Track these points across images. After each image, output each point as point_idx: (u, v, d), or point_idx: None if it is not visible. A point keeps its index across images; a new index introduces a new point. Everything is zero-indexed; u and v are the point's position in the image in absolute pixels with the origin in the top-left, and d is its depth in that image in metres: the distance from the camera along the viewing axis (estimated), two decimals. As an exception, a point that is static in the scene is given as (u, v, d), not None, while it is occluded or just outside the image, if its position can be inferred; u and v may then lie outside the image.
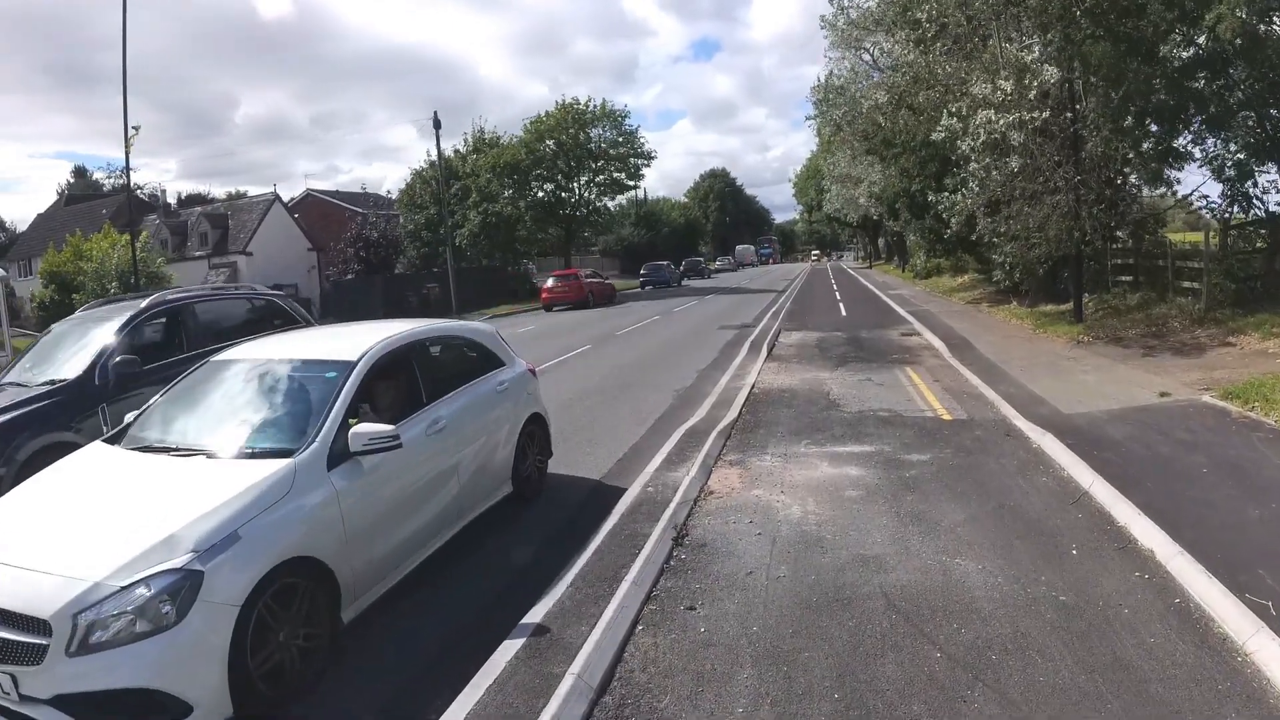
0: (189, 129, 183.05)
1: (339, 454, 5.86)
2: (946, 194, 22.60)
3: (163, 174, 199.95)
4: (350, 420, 6.11)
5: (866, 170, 34.09)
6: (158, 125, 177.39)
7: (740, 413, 11.92)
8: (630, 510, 7.74)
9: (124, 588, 4.55)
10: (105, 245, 35.65)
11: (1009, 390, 12.34)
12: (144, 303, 10.10)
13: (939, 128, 19.45)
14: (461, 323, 8.96)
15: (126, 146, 24.61)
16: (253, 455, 5.81)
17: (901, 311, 27.18)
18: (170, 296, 10.58)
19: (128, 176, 27.96)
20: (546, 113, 56.47)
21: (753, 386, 14.04)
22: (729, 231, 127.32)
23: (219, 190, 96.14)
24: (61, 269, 36.94)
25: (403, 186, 56.02)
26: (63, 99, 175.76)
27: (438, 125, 45.09)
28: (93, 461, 6.24)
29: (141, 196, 64.12)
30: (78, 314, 10.69)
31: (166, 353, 9.95)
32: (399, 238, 51.96)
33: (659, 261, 64.58)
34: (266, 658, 4.95)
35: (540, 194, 55.93)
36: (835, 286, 47.07)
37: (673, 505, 7.69)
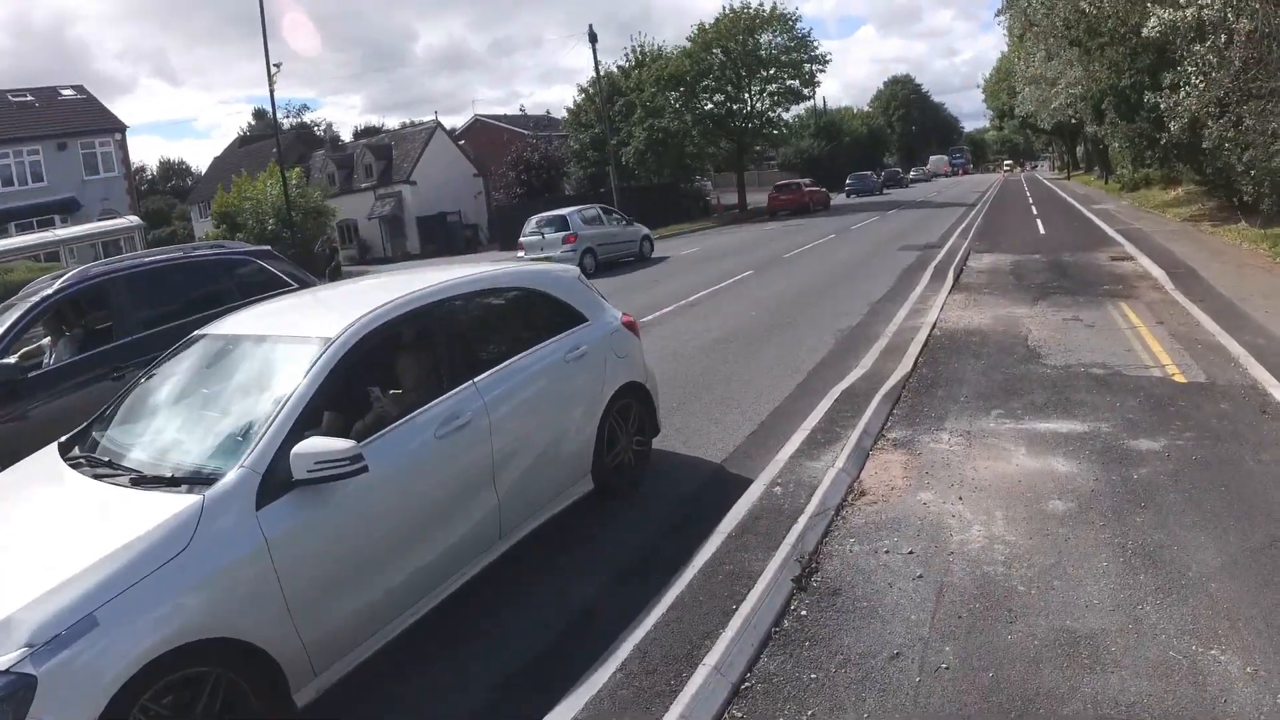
0: (371, 64, 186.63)
1: (279, 483, 4.04)
2: (1165, 90, 18.53)
3: (348, 110, 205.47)
4: (306, 432, 4.23)
5: (1064, 69, 29.68)
6: (341, 63, 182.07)
7: (915, 364, 9.32)
8: (743, 526, 5.54)
9: None
10: (270, 183, 35.92)
11: (1256, 341, 9.08)
12: (52, 286, 7.92)
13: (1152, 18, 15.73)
14: (526, 268, 6.83)
15: (270, 84, 24.12)
16: (168, 482, 4.09)
17: (1108, 230, 22.62)
18: (94, 270, 8.24)
19: (274, 110, 27.36)
20: (714, 19, 53.08)
21: (933, 326, 11.31)
22: (915, 141, 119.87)
23: (400, 123, 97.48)
24: (228, 208, 37.47)
25: (569, 106, 54.41)
26: (251, 47, 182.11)
27: (593, 39, 43.61)
28: (16, 479, 4.87)
29: (318, 134, 65.34)
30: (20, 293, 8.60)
31: (86, 346, 7.99)
32: (560, 158, 50.47)
33: (863, 172, 70.76)
34: None
35: (709, 106, 52.54)
36: (1030, 199, 41.69)
37: (803, 520, 5.46)
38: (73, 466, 4.62)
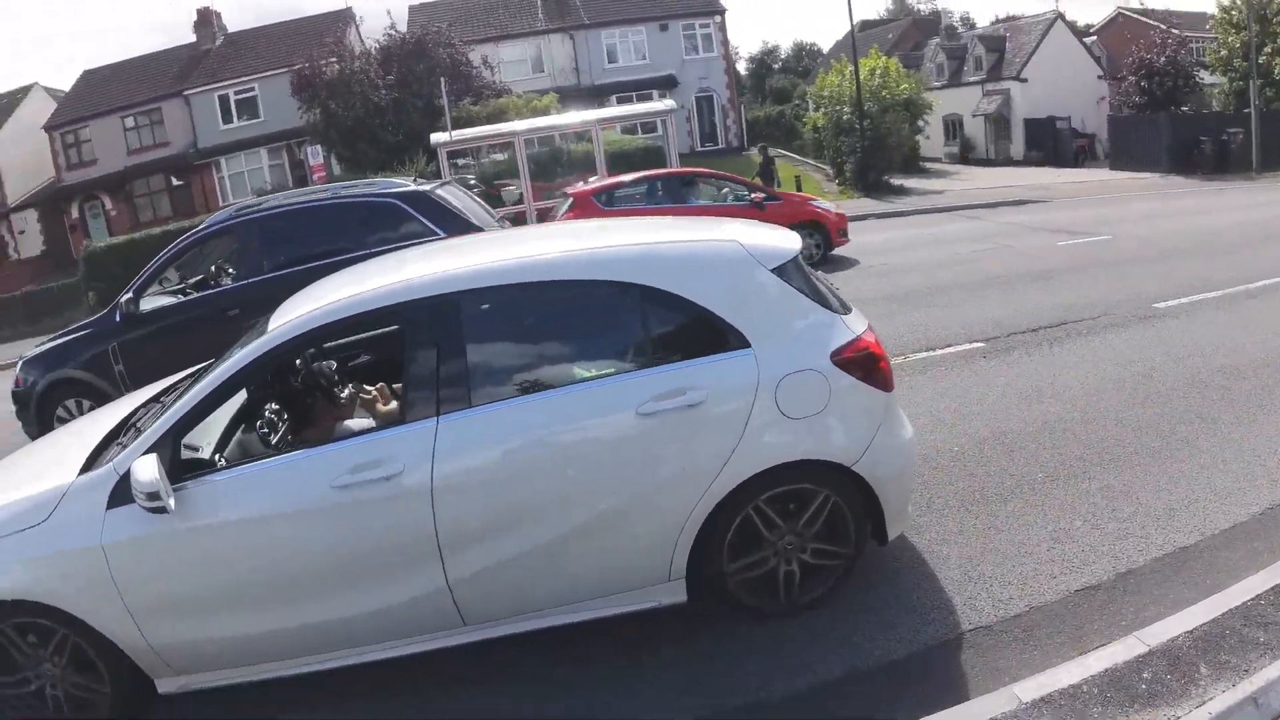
0: None
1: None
2: None
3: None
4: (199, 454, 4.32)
5: None
6: None
7: None
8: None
9: None
10: (865, 70, 34.88)
11: None
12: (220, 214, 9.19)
13: None
14: (639, 244, 4.70)
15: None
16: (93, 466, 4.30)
17: None
18: (225, 215, 9.33)
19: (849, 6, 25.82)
20: None
21: None
22: None
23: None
24: (820, 91, 37.16)
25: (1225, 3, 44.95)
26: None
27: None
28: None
29: (927, 18, 62.68)
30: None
31: (212, 286, 9.22)
32: (1188, 67, 42.34)
33: None
34: None
35: None
36: None
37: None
38: (114, 430, 4.78)
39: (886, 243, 18.14)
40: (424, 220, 8.80)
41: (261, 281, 8.59)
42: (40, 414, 8.90)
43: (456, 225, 8.72)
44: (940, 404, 7.26)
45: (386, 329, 5.52)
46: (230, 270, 9.45)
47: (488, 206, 11.02)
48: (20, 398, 9.04)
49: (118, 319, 8.80)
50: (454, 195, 9.56)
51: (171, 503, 3.77)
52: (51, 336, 9.84)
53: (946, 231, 19.58)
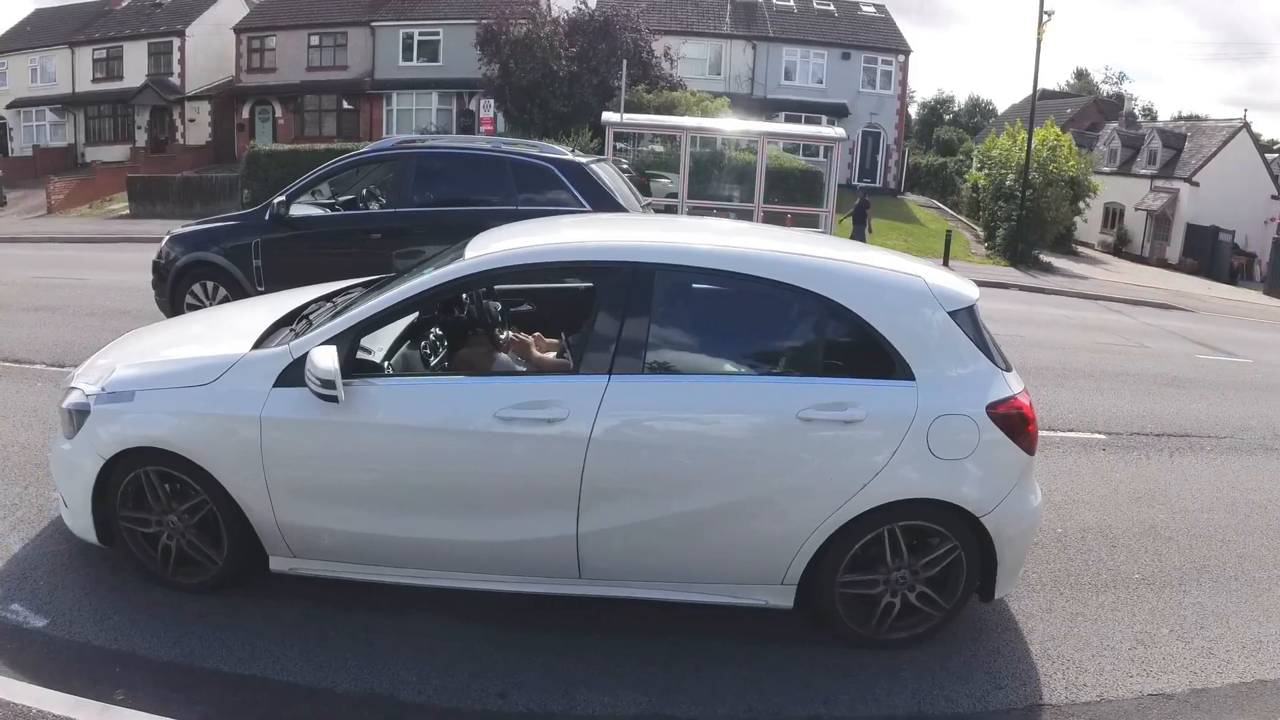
0: (1230, 51, 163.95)
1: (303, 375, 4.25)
2: None
3: (1174, 92, 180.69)
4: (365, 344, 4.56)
5: None
6: (1198, 41, 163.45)
7: None
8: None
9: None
10: (1036, 139, 34.37)
11: None
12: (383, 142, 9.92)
13: None
14: (834, 257, 4.71)
15: (1039, 36, 22.63)
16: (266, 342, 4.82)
17: None
18: (387, 145, 10.16)
19: (1037, 64, 25.68)
20: None
21: None
22: None
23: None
24: (988, 151, 36.75)
25: None
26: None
27: None
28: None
29: (1109, 100, 60.89)
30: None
31: (361, 207, 9.95)
32: None
33: None
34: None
35: None
36: None
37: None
38: (283, 318, 5.16)
39: (1025, 315, 17.97)
40: (574, 190, 9.03)
41: (406, 214, 9.29)
42: (175, 288, 9.57)
43: (605, 202, 9.00)
44: (1052, 485, 7.30)
45: (554, 285, 6.03)
46: (380, 197, 10.06)
47: (637, 191, 11.27)
48: (161, 269, 9.65)
49: (267, 217, 9.32)
50: (607, 173, 9.79)
51: (342, 394, 4.07)
52: (202, 220, 10.57)
53: (1086, 318, 19.27)
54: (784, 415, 4.24)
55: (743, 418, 4.34)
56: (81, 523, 4.65)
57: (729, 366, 4.55)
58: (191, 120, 45.99)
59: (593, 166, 9.51)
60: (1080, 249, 41.62)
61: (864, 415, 4.25)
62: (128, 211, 30.86)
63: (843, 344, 4.55)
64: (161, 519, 4.54)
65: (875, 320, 4.34)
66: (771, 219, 19.43)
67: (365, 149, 10.50)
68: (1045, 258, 31.45)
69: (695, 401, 4.33)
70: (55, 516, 5.21)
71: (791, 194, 24.97)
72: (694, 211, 19.07)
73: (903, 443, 4.26)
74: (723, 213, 19.90)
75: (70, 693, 3.82)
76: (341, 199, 10.26)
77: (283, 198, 9.33)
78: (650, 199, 18.28)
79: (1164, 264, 43.36)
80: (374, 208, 9.91)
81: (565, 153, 9.85)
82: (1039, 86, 29.50)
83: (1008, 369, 4.69)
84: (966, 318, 4.57)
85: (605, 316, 4.33)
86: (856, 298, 4.37)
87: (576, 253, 4.79)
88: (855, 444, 4.29)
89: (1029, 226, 30.16)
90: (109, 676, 3.99)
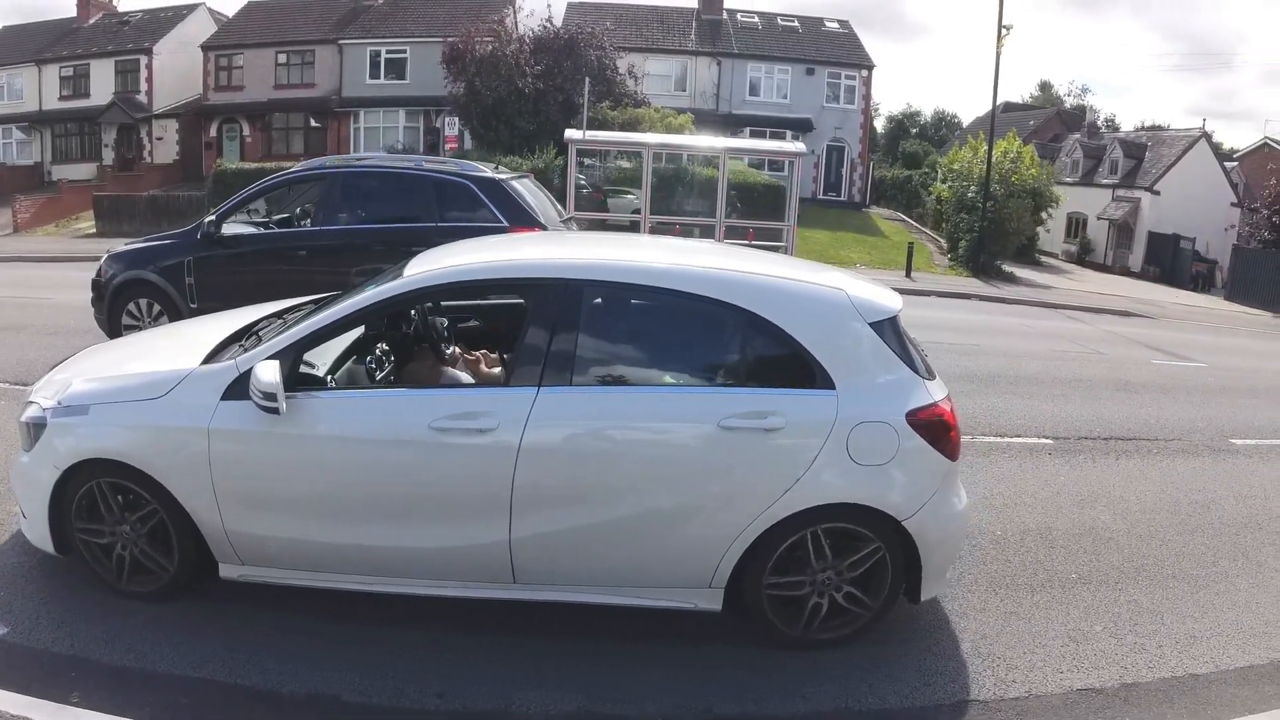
0: (1192, 62, 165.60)
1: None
2: None
3: (1137, 103, 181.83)
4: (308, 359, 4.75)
5: None
6: (1161, 53, 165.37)
7: None
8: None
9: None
10: (998, 151, 34.76)
11: None
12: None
13: None
14: (748, 271, 4.83)
15: (998, 50, 22.99)
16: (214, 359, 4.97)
17: None
18: (311, 165, 10.50)
19: (996, 77, 26.07)
20: None
21: None
22: None
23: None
24: (951, 164, 37.24)
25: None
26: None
27: None
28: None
29: (1071, 112, 61.80)
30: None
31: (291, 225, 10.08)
32: None
33: None
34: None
35: None
36: None
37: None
38: (233, 334, 5.32)
39: (982, 324, 18.15)
40: (492, 207, 9.36)
41: (333, 231, 9.58)
42: (112, 306, 9.71)
43: (523, 218, 9.30)
44: (995, 488, 7.46)
45: (499, 301, 6.18)
46: (310, 214, 10.21)
47: (559, 207, 11.71)
48: (99, 287, 9.80)
49: (199, 236, 9.52)
50: (527, 190, 10.11)
51: (284, 406, 4.21)
52: (141, 239, 10.70)
53: (1044, 326, 19.48)
54: (707, 424, 4.37)
55: (668, 426, 4.47)
56: (39, 533, 4.77)
57: (655, 378, 4.72)
58: (159, 138, 45.86)
59: (511, 184, 9.81)
60: (1044, 259, 42.21)
61: (784, 424, 4.36)
62: (95, 230, 30.75)
63: (766, 355, 4.71)
64: (115, 529, 4.68)
65: (796, 332, 4.48)
66: (733, 233, 19.58)
67: (296, 168, 10.72)
68: (1008, 268, 31.84)
69: (622, 411, 4.47)
70: (16, 530, 5.29)
71: (754, 208, 25.28)
72: (656, 227, 19.17)
73: (823, 450, 4.38)
74: (685, 228, 20.11)
75: (28, 694, 3.95)
76: (275, 217, 10.46)
77: (213, 216, 9.63)
78: (607, 214, 18.44)
79: (1127, 272, 44.04)
80: (305, 225, 10.09)
81: (486, 171, 10.09)
82: (1002, 99, 30.19)
83: (930, 377, 4.81)
84: (888, 328, 4.67)
85: (536, 330, 4.47)
86: (778, 310, 4.51)
87: (507, 270, 4.97)
88: (776, 451, 4.41)
89: (991, 237, 30.52)
90: (65, 681, 4.11)
